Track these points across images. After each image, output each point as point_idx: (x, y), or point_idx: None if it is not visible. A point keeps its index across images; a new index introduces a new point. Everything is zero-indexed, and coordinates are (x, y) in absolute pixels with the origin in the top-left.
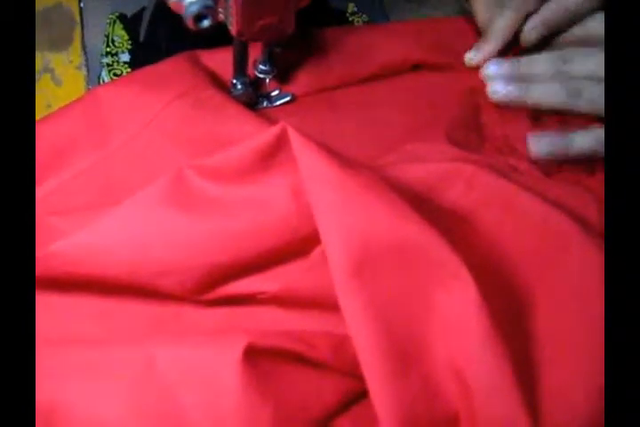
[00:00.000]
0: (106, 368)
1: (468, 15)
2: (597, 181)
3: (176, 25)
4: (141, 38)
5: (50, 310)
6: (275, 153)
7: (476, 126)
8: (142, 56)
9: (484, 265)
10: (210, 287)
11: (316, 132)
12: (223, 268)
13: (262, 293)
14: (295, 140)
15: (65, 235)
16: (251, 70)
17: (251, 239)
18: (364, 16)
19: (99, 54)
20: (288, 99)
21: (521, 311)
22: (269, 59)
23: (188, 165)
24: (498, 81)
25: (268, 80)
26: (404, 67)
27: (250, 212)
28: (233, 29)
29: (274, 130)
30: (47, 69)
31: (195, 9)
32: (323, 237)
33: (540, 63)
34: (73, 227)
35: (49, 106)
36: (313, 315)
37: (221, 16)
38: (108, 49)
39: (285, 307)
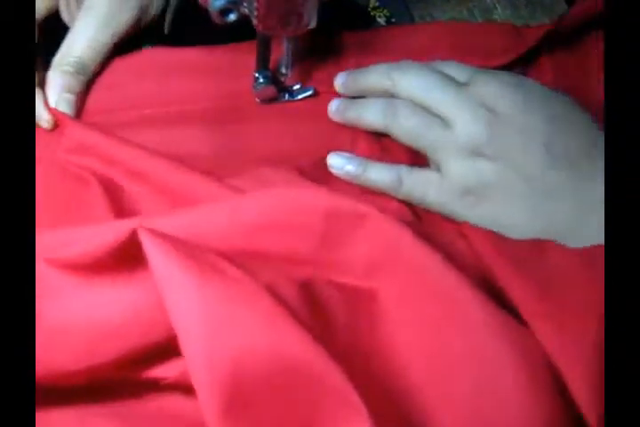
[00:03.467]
0: None
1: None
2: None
3: (201, 17)
4: (166, 31)
5: None
6: (132, 252)
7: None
8: None
9: (378, 384)
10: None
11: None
12: (110, 359)
13: (163, 378)
14: (147, 241)
15: None
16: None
17: (123, 336)
18: (385, 11)
19: None
20: (310, 93)
21: None
22: (291, 60)
23: (43, 258)
24: (335, 99)
25: (289, 75)
26: None
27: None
28: (256, 23)
29: (125, 228)
30: None
31: (220, 3)
32: (187, 363)
33: (370, 76)
34: None
35: None
36: None
37: (246, 10)
38: None
39: (187, 393)
